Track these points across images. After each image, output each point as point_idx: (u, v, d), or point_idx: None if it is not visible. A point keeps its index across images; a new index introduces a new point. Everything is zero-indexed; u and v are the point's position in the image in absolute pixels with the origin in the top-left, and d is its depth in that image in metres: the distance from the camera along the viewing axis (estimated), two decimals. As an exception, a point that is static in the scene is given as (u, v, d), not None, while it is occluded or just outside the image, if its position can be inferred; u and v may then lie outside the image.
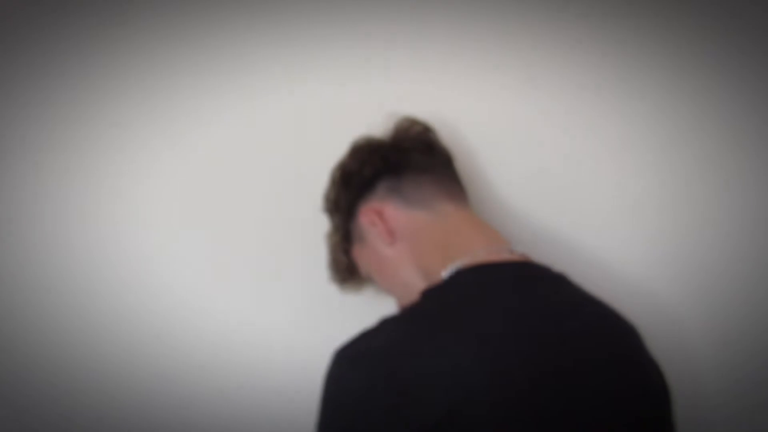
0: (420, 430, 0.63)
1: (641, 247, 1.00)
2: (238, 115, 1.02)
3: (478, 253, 0.79)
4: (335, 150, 0.92)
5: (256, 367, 1.02)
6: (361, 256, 0.90)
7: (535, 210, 1.01)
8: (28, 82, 1.02)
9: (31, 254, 1.02)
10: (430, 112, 0.95)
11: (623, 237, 1.00)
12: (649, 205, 1.00)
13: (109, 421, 1.02)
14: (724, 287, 0.99)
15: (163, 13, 1.01)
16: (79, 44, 1.01)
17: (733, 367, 0.99)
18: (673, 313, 1.00)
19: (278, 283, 1.01)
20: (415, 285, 0.81)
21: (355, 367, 0.68)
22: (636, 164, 1.00)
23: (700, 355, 1.00)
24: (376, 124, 0.92)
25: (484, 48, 1.00)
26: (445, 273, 0.78)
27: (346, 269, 0.93)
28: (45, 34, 1.01)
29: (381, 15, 1.00)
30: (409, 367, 0.66)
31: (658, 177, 1.00)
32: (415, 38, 1.00)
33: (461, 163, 0.96)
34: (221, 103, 1.02)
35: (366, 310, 0.99)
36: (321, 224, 0.95)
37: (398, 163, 0.88)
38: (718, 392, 0.99)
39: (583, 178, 1.00)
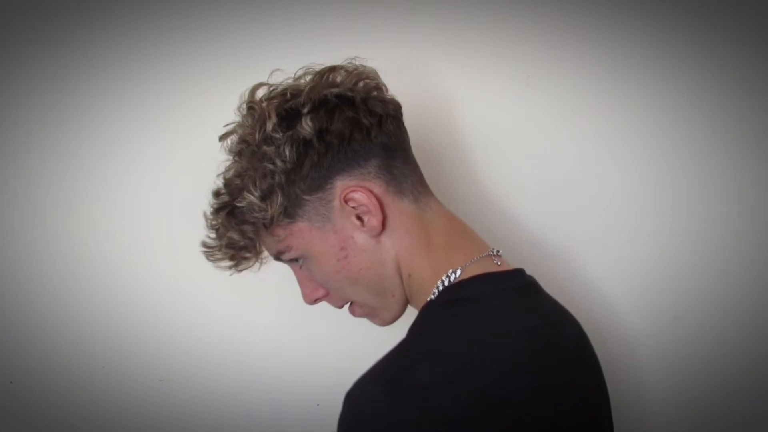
0: None
1: (638, 246, 1.00)
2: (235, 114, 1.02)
3: (470, 264, 0.71)
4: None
5: (253, 367, 1.03)
6: (309, 237, 0.72)
7: (531, 208, 1.01)
8: (27, 82, 1.02)
9: (32, 254, 1.03)
10: (425, 108, 0.94)
11: (621, 234, 1.00)
12: (647, 204, 1.00)
13: (107, 424, 1.03)
14: (723, 288, 1.00)
15: (163, 12, 1.01)
16: (77, 44, 1.01)
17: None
18: (670, 313, 1.01)
19: (276, 283, 1.02)
20: (394, 283, 0.73)
21: (403, 398, 0.60)
22: (634, 162, 1.00)
23: (699, 354, 1.00)
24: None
25: (482, 46, 1.00)
26: (439, 283, 0.70)
27: (255, 248, 0.74)
28: (44, 34, 1.01)
29: (378, 15, 1.00)
30: (456, 391, 0.60)
31: (656, 175, 1.00)
32: (411, 36, 1.00)
33: (457, 162, 0.96)
34: (222, 102, 1.02)
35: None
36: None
37: (393, 137, 0.72)
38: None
39: (581, 177, 1.01)
